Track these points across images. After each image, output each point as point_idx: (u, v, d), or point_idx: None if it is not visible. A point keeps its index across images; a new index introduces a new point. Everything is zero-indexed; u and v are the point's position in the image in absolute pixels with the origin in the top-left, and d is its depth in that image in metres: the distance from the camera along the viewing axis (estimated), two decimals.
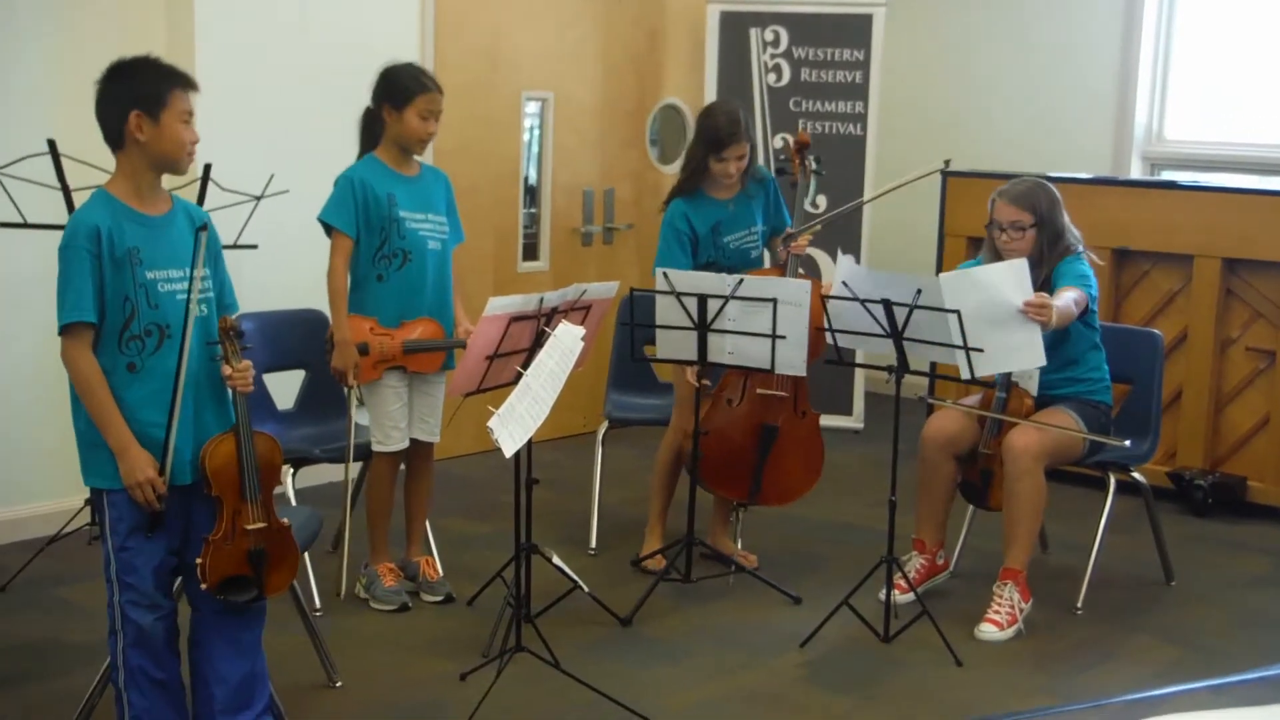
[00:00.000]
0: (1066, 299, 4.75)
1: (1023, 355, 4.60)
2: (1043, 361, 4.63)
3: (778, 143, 7.40)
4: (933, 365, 5.68)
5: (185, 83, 3.62)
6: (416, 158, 4.98)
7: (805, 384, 5.21)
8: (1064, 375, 5.02)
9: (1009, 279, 4.54)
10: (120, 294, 3.51)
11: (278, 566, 3.71)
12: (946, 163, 5.38)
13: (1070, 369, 5.03)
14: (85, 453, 3.61)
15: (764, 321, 4.79)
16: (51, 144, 4.80)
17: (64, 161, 4.80)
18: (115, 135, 3.58)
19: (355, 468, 5.05)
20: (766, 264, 5.57)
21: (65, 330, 3.50)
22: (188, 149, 3.61)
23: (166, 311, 3.57)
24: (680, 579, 5.18)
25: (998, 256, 4.98)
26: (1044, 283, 4.90)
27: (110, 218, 3.52)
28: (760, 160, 6.59)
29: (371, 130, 4.94)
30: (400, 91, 4.81)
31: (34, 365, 5.35)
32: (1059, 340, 4.92)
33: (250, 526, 3.63)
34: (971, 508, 5.31)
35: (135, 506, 3.55)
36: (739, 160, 5.15)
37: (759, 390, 5.19)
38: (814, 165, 5.35)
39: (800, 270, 5.17)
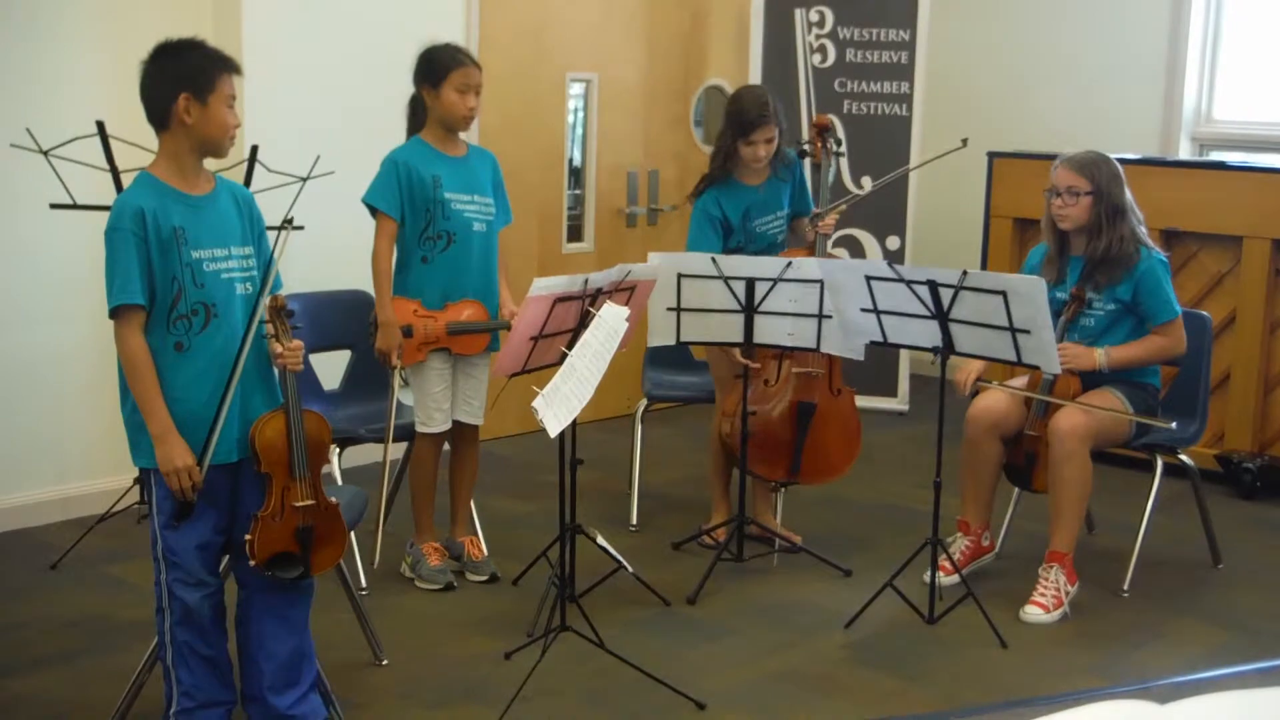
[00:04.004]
0: (1147, 357, 4.92)
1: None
2: (1058, 370, 4.64)
3: None
4: None
5: (232, 67, 3.64)
6: (464, 138, 5.00)
7: (839, 362, 5.22)
8: None
9: (1028, 296, 4.48)
10: (168, 274, 3.52)
11: (325, 544, 3.74)
12: (964, 141, 5.38)
13: None
14: (133, 434, 3.63)
15: (813, 302, 4.84)
16: (100, 125, 4.83)
17: (112, 143, 4.83)
18: (161, 116, 3.59)
19: (397, 448, 5.08)
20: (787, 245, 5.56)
21: (115, 313, 3.52)
22: (230, 132, 3.63)
23: (212, 290, 3.58)
24: (733, 559, 5.19)
25: (1051, 223, 4.98)
26: (1103, 253, 4.89)
27: (155, 199, 3.54)
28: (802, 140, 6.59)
29: (416, 114, 4.96)
30: (435, 70, 4.83)
31: (84, 346, 5.39)
32: (1105, 332, 4.93)
33: (299, 504, 3.65)
34: (1016, 489, 5.28)
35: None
36: (768, 144, 5.18)
37: (794, 369, 5.20)
38: (835, 147, 5.38)
39: (830, 249, 5.23)
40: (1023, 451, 5.01)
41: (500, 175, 5.05)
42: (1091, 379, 4.94)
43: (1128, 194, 4.97)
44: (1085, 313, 4.95)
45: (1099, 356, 4.85)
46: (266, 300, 3.63)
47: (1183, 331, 4.94)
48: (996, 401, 5.05)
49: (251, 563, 3.61)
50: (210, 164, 3.72)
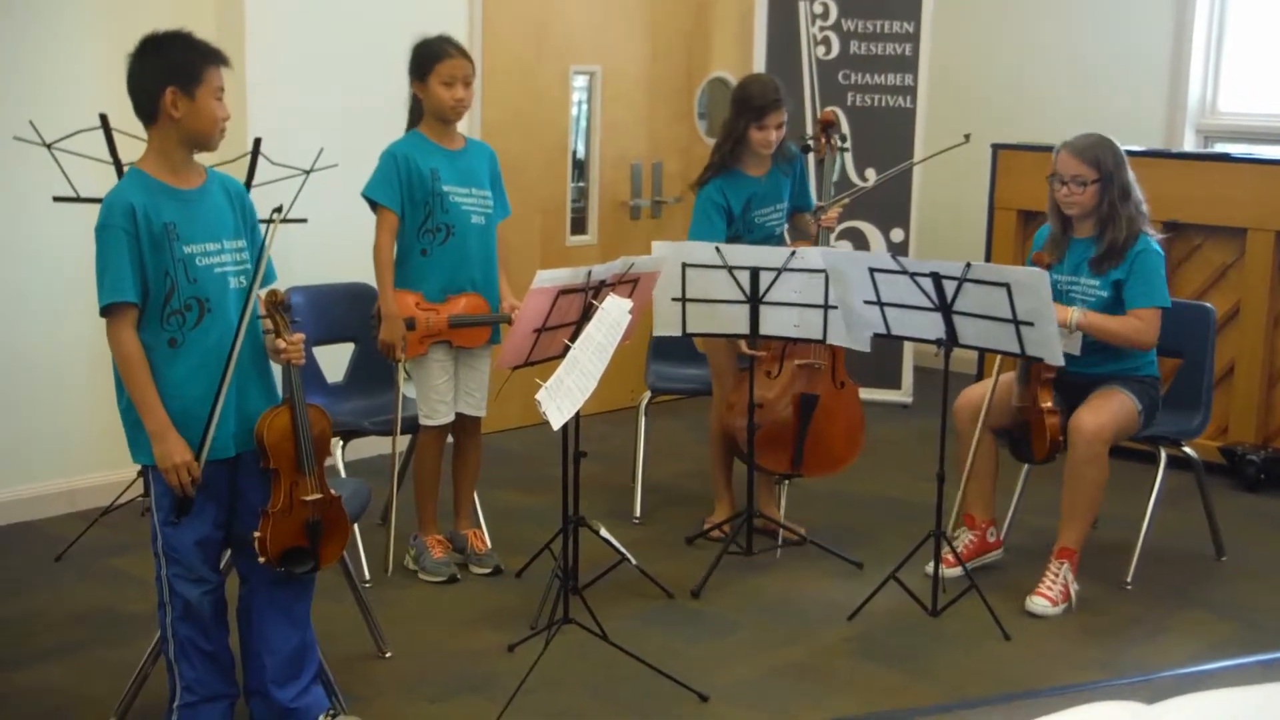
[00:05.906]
0: (1118, 332, 4.83)
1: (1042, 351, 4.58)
2: (1061, 362, 4.61)
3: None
4: None
5: (219, 59, 3.59)
6: (461, 132, 5.00)
7: (842, 354, 5.22)
8: (1109, 351, 4.96)
9: (1031, 288, 4.47)
10: (160, 270, 3.51)
11: (331, 537, 3.74)
12: (966, 137, 5.37)
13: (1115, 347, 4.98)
14: (130, 431, 3.62)
15: (818, 292, 4.85)
16: (103, 118, 4.83)
17: (116, 136, 4.82)
18: (149, 110, 3.56)
19: (401, 441, 5.08)
20: (788, 240, 5.56)
21: (106, 311, 3.51)
22: (220, 125, 3.59)
23: (205, 285, 3.56)
24: (741, 552, 5.19)
25: (1057, 210, 4.98)
26: (1121, 246, 4.85)
27: (144, 195, 3.52)
28: (807, 133, 6.60)
29: (416, 109, 4.96)
30: (421, 63, 4.85)
31: (87, 338, 5.39)
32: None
33: (308, 498, 3.66)
34: (1021, 482, 5.28)
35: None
36: (779, 129, 5.19)
37: (796, 362, 5.20)
38: (840, 143, 5.39)
39: (833, 243, 5.25)
40: (1016, 425, 4.97)
41: (498, 169, 5.05)
42: (1093, 380, 4.92)
43: (1130, 173, 4.96)
44: (1078, 295, 4.93)
45: (1073, 314, 4.79)
46: (262, 293, 3.62)
47: (1159, 324, 4.86)
48: (981, 394, 5.04)
49: (263, 559, 3.61)
50: (213, 157, 3.70)
